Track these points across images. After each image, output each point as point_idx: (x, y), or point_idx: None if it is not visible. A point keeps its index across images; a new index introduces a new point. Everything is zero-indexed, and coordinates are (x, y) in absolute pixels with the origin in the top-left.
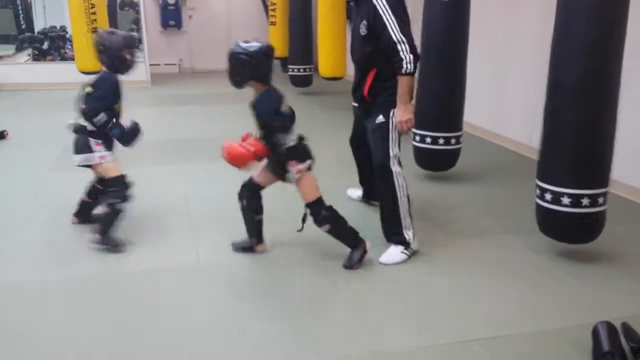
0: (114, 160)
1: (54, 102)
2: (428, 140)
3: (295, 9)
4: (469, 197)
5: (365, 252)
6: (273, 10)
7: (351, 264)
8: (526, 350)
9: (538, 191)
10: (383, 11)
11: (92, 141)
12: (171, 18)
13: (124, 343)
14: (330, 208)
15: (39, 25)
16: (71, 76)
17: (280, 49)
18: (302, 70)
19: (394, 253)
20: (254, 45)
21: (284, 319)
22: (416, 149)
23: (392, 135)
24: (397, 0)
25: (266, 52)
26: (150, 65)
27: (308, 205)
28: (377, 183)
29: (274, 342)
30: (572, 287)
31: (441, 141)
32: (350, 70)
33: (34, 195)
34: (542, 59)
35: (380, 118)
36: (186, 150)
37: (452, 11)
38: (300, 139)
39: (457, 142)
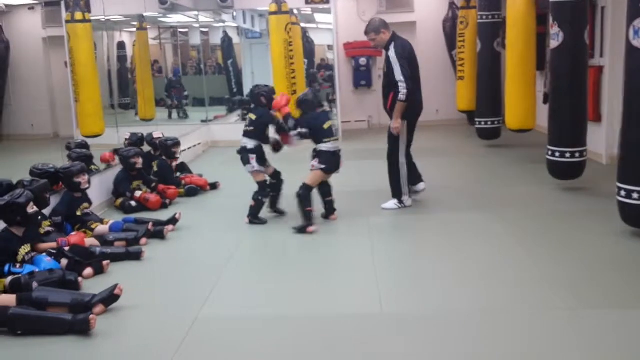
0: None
1: None
2: (635, 195)
3: (484, 63)
4: None
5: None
6: (461, 65)
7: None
8: None
9: None
10: (392, 59)
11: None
12: (362, 78)
13: None
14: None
15: (248, 89)
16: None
17: (468, 103)
18: (489, 123)
19: (391, 203)
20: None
21: None
22: (621, 204)
23: (401, 136)
24: (401, 53)
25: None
26: (342, 122)
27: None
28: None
29: None
30: None
31: None
32: (539, 122)
33: (239, 241)
34: None
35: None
36: (370, 200)
37: None
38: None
39: None
